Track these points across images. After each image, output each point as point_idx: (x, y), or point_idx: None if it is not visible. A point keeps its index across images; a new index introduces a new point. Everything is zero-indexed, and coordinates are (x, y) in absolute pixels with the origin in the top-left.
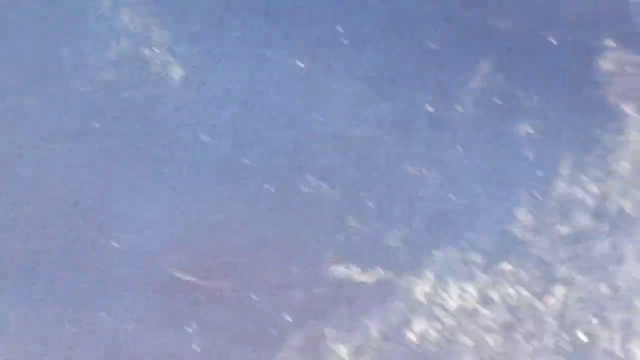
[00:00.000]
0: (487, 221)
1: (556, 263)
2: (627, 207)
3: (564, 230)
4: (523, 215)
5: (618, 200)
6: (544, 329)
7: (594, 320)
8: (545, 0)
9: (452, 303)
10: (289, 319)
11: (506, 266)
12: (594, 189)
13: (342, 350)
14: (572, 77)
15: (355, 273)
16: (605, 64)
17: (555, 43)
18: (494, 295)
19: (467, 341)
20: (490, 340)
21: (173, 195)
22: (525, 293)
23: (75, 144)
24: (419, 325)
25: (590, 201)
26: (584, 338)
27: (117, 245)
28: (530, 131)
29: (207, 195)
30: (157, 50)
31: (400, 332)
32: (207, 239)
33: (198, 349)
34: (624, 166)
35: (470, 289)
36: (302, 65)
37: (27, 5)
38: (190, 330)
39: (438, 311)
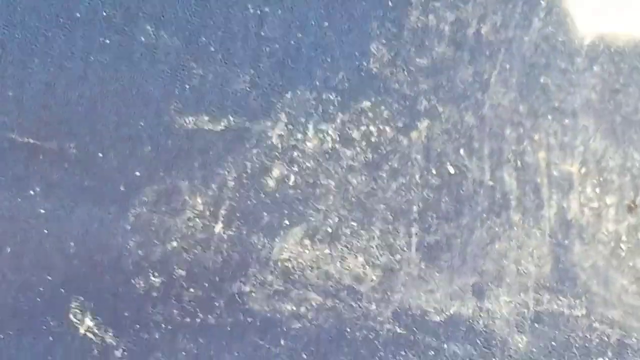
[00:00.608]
0: (339, 57)
1: (417, 96)
2: (485, 31)
3: (422, 61)
4: (377, 48)
5: (475, 26)
6: (409, 165)
7: (462, 151)
8: None
9: (310, 145)
10: (138, 174)
11: (364, 103)
12: (449, 16)
13: (198, 201)
14: None
15: (204, 122)
16: None
17: None
18: (355, 134)
19: (330, 183)
20: (354, 180)
21: None
22: (387, 129)
23: None
24: (277, 170)
25: (446, 29)
26: (452, 170)
27: None
28: None
29: (37, 53)
30: None
31: (258, 179)
32: (43, 97)
33: (43, 212)
34: None
35: (329, 129)
36: None
37: None
38: (34, 193)
39: (296, 155)
